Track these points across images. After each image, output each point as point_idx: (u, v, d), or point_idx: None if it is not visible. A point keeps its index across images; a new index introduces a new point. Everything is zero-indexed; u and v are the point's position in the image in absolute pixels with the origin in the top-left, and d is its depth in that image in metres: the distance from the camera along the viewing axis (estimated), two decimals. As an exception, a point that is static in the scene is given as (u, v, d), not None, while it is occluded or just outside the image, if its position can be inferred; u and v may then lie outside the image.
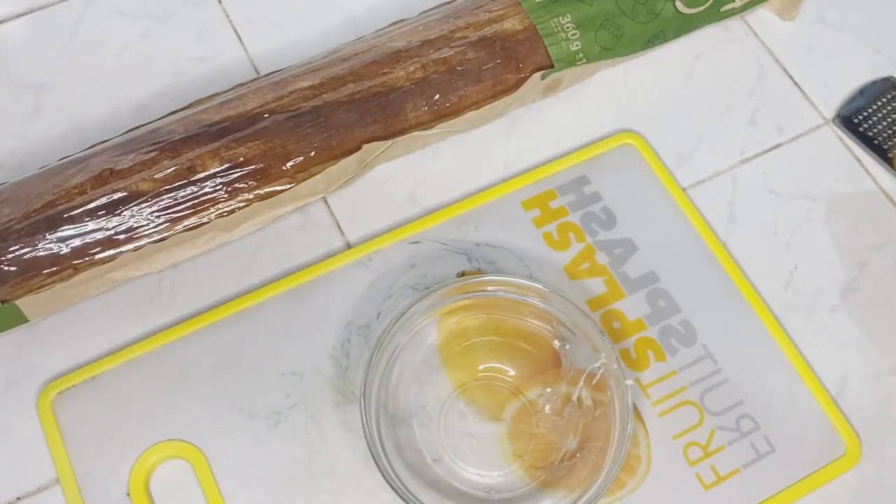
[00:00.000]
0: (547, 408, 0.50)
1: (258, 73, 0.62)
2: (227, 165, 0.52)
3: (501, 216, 0.56)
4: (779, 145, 0.61)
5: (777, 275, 0.56)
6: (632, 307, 0.54)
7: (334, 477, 0.49)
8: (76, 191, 0.51)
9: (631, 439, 0.47)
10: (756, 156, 0.60)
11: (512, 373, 0.51)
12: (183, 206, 0.52)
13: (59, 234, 0.50)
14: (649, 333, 0.53)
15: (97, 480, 0.48)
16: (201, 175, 0.52)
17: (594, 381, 0.50)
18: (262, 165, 0.53)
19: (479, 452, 0.49)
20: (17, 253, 0.50)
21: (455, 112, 0.57)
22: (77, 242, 0.51)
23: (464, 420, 0.50)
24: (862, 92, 0.62)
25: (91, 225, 0.51)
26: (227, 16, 0.64)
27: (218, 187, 0.52)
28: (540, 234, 0.56)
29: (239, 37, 0.63)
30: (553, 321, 0.51)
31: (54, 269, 0.51)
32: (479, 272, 0.54)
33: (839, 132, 0.61)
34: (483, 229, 0.56)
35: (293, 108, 0.54)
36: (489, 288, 0.51)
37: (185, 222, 0.52)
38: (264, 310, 0.53)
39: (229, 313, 0.53)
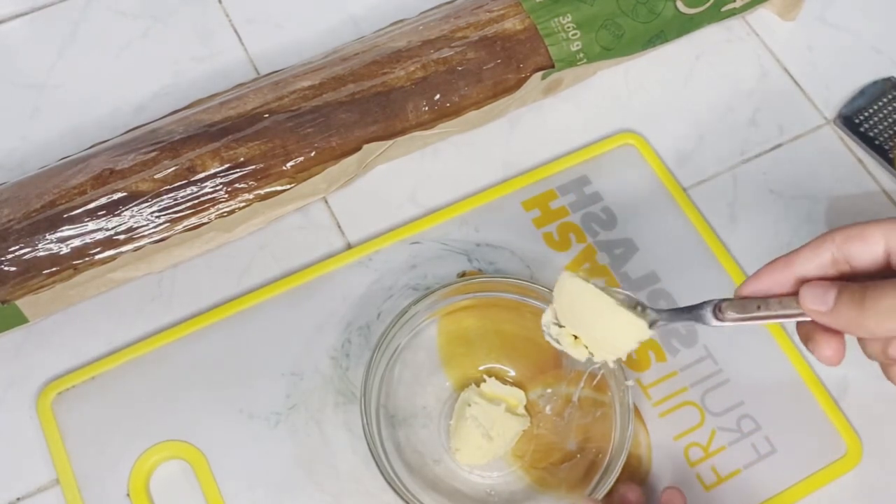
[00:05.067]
0: (547, 408, 0.50)
1: (258, 73, 0.61)
2: (227, 165, 0.52)
3: (502, 216, 0.56)
4: (779, 145, 0.61)
5: (778, 275, 0.56)
6: (632, 307, 0.54)
7: (334, 477, 0.49)
8: (76, 191, 0.51)
9: (631, 440, 0.47)
10: (757, 156, 0.60)
11: (512, 373, 0.51)
12: (183, 207, 0.52)
13: (59, 235, 0.50)
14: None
15: (97, 480, 0.48)
16: (201, 175, 0.52)
17: (595, 382, 0.50)
18: (262, 165, 0.53)
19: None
20: (17, 253, 0.50)
21: (455, 112, 0.56)
22: (77, 242, 0.51)
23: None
24: (863, 92, 0.62)
25: (91, 225, 0.51)
26: (227, 16, 0.64)
27: (218, 187, 0.52)
28: (540, 234, 0.56)
29: (239, 37, 0.63)
30: (553, 321, 0.51)
31: (54, 269, 0.51)
32: (480, 272, 0.54)
33: (840, 132, 0.61)
34: (483, 229, 0.56)
35: (293, 108, 0.54)
36: (489, 288, 0.51)
37: (185, 222, 0.52)
38: (264, 310, 0.53)
39: (229, 313, 0.53)
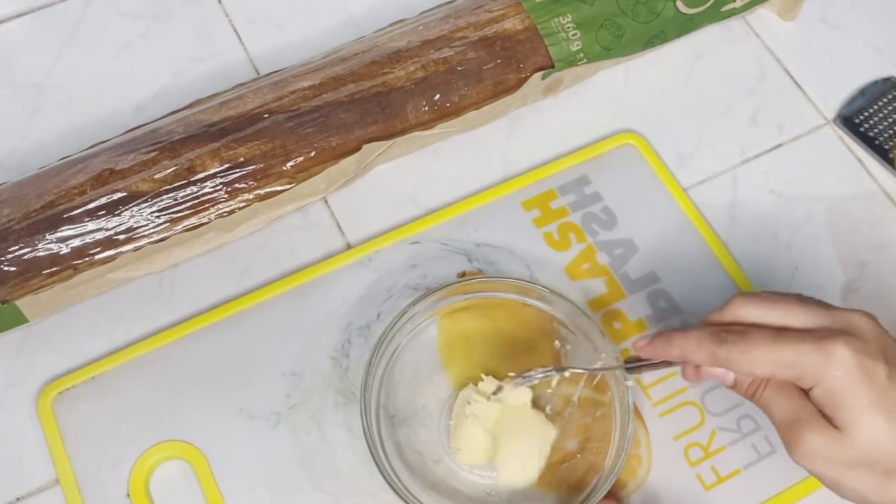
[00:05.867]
0: (547, 408, 0.50)
1: (258, 73, 0.61)
2: (227, 165, 0.52)
3: (502, 216, 0.56)
4: (780, 145, 0.61)
5: (778, 275, 0.56)
6: (632, 308, 0.54)
7: (334, 477, 0.49)
8: (76, 191, 0.51)
9: (631, 440, 0.47)
10: (757, 156, 0.60)
11: (512, 374, 0.51)
12: (183, 207, 0.52)
13: (59, 235, 0.50)
14: (650, 334, 0.53)
15: (97, 481, 0.48)
16: (201, 175, 0.52)
17: (595, 382, 0.50)
18: (262, 165, 0.53)
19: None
20: (17, 253, 0.50)
21: (455, 112, 0.56)
22: (77, 243, 0.51)
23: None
24: (863, 92, 0.62)
25: (91, 225, 0.51)
26: (227, 16, 0.64)
27: (218, 187, 0.52)
28: (540, 234, 0.56)
29: (239, 37, 0.63)
30: (553, 322, 0.51)
31: (54, 269, 0.51)
32: (480, 273, 0.54)
33: (840, 132, 0.61)
34: (483, 229, 0.56)
35: (293, 108, 0.54)
36: (489, 289, 0.51)
37: (185, 222, 0.52)
38: (264, 310, 0.53)
39: (229, 314, 0.53)
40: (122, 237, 0.51)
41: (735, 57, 0.64)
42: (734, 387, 0.44)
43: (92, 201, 0.51)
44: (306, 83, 0.55)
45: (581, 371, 0.48)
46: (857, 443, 0.38)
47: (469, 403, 0.48)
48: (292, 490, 0.48)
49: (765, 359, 0.40)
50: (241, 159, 0.53)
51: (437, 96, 0.55)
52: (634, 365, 0.46)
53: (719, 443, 0.50)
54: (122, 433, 0.49)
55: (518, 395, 0.49)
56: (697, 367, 0.44)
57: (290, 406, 0.50)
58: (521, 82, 0.57)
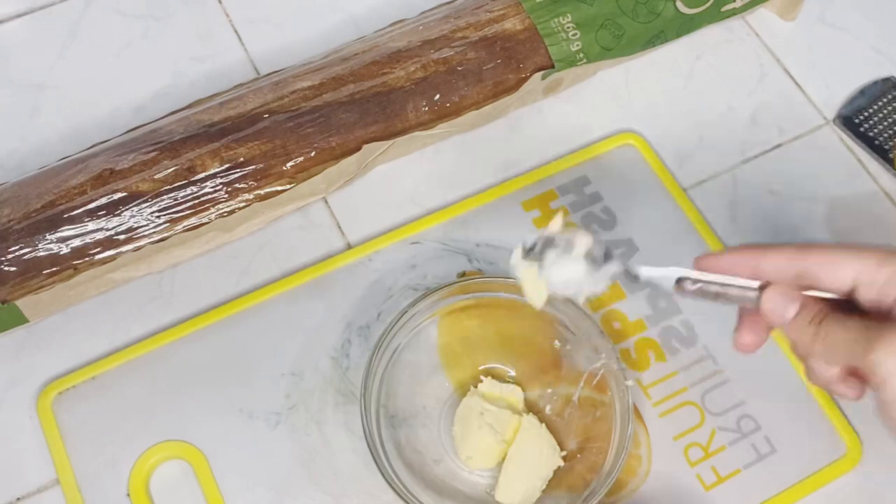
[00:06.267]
0: (547, 409, 0.50)
1: (258, 73, 0.61)
2: (227, 165, 0.52)
3: (502, 216, 0.56)
4: (779, 145, 0.61)
5: (778, 275, 0.56)
6: (632, 307, 0.54)
7: (334, 477, 0.49)
8: (76, 191, 0.51)
9: (631, 440, 0.47)
10: (757, 156, 0.60)
11: (512, 373, 0.51)
12: (183, 207, 0.52)
13: (59, 235, 0.50)
14: (650, 334, 0.53)
15: (97, 480, 0.48)
16: (201, 175, 0.52)
17: (594, 382, 0.50)
18: (262, 165, 0.53)
19: (479, 453, 0.49)
20: (17, 253, 0.50)
21: (455, 112, 0.56)
22: (77, 243, 0.51)
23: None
24: (863, 92, 0.62)
25: (91, 225, 0.51)
26: (227, 16, 0.64)
27: (218, 187, 0.52)
28: (540, 234, 0.56)
29: (239, 37, 0.63)
30: (553, 322, 0.51)
31: (54, 269, 0.51)
32: (480, 273, 0.54)
33: (840, 132, 0.61)
34: (483, 229, 0.56)
35: (293, 108, 0.54)
36: (489, 289, 0.51)
37: (186, 222, 0.52)
38: (264, 310, 0.53)
39: (229, 313, 0.53)
40: (122, 237, 0.51)
41: (735, 57, 0.64)
42: (791, 324, 0.40)
43: (92, 201, 0.51)
44: (306, 83, 0.55)
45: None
46: None
47: (482, 414, 0.48)
48: (292, 490, 0.48)
49: (850, 263, 0.38)
50: (241, 159, 0.53)
51: (437, 96, 0.55)
52: (694, 283, 0.41)
53: (719, 443, 0.50)
54: (122, 433, 0.49)
55: (511, 392, 0.49)
56: (755, 314, 0.40)
57: (290, 406, 0.51)
58: (521, 82, 0.57)
